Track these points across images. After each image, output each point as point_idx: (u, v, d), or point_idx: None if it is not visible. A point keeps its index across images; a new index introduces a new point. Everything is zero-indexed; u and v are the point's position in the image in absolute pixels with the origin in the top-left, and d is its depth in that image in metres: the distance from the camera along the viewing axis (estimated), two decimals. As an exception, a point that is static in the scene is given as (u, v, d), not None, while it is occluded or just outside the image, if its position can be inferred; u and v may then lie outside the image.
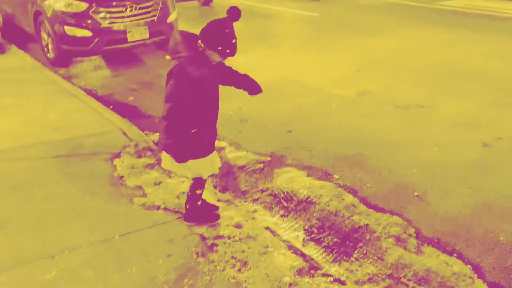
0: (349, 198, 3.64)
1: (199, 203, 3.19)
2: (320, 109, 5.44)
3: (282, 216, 3.50)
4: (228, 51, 2.64)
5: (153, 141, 4.58)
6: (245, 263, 2.86)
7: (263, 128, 4.99)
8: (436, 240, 3.22)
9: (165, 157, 2.92)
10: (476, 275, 2.87)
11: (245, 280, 2.70)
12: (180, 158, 2.78)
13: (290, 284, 2.70)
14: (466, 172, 4.06)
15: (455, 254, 3.07)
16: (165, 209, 3.41)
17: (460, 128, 4.89)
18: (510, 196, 3.68)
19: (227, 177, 4.00)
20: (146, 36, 7.19)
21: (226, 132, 4.76)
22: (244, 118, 5.18)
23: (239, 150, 4.49)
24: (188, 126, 2.77)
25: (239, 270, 2.79)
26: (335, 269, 2.92)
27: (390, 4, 11.82)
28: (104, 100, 5.83)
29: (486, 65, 6.95)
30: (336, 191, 3.73)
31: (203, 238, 3.08)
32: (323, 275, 2.83)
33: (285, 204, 3.62)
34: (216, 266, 2.82)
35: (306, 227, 3.35)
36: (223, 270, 2.79)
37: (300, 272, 2.81)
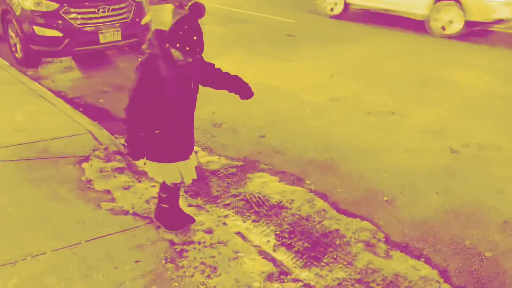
0: (320, 203, 3.65)
1: (163, 205, 3.12)
2: (293, 115, 5.46)
3: (253, 221, 3.48)
4: (187, 48, 2.48)
5: (122, 145, 4.49)
6: (215, 268, 2.82)
7: (236, 133, 4.97)
8: (404, 245, 3.26)
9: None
10: (442, 279, 2.92)
11: (214, 286, 2.67)
12: (133, 154, 2.75)
13: (260, 290, 2.68)
14: (435, 177, 4.15)
15: (422, 259, 3.12)
16: (134, 214, 3.34)
17: (429, 135, 5.00)
18: (476, 201, 3.78)
19: (199, 182, 3.95)
20: (119, 37, 7.06)
21: (198, 136, 4.72)
22: (217, 122, 5.14)
23: (212, 155, 4.45)
24: (149, 125, 2.70)
25: (208, 276, 2.75)
26: (305, 274, 2.91)
27: (363, 13, 12.02)
28: (74, 102, 5.69)
29: (455, 75, 7.15)
30: (307, 196, 3.74)
31: (172, 243, 3.03)
32: (293, 280, 2.82)
33: (257, 209, 3.61)
34: (185, 272, 2.77)
35: (278, 232, 3.34)
36: (192, 276, 2.74)
37: (270, 277, 2.80)
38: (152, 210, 3.34)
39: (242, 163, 4.31)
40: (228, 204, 3.65)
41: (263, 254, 3.05)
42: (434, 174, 4.20)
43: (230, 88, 2.94)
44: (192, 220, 3.25)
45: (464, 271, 3.02)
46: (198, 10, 2.46)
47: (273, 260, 3.00)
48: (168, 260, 2.87)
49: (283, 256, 3.10)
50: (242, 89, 2.95)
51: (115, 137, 4.68)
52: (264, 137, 4.88)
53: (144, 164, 2.93)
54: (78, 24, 6.66)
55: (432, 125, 5.26)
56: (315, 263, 3.04)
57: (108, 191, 3.61)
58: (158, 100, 2.62)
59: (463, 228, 3.44)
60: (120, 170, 3.94)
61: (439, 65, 7.66)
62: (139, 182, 3.77)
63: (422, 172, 4.23)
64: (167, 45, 2.53)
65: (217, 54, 7.48)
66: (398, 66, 7.55)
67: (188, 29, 2.46)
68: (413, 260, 3.07)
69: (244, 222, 3.45)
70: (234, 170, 4.17)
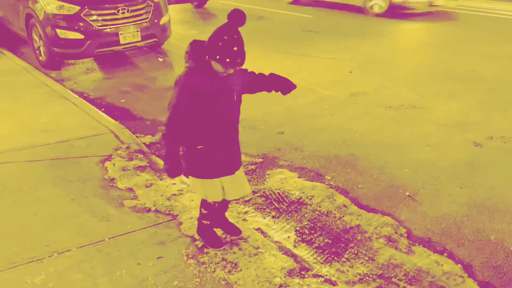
0: (341, 199, 3.63)
1: (204, 222, 2.98)
2: (312, 111, 5.44)
3: (273, 217, 3.48)
4: (228, 60, 2.30)
5: (144, 144, 4.56)
6: (236, 264, 2.84)
7: (255, 130, 4.98)
8: (427, 239, 3.22)
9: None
10: (466, 274, 2.87)
11: (235, 282, 2.69)
12: (170, 170, 2.61)
13: (281, 285, 2.69)
14: (457, 171, 4.07)
15: (445, 254, 3.07)
16: (156, 211, 3.39)
17: (451, 128, 4.91)
18: (500, 195, 3.69)
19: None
20: (139, 38, 7.17)
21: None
22: (236, 119, 5.16)
23: (231, 152, 4.47)
24: (191, 141, 2.58)
25: (229, 271, 2.78)
26: (326, 270, 2.91)
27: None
28: (96, 103, 5.80)
29: (478, 66, 6.99)
30: (327, 192, 3.72)
31: (193, 240, 3.06)
32: (314, 276, 2.82)
33: (277, 206, 3.61)
34: (206, 268, 2.80)
35: (298, 228, 3.34)
36: (213, 272, 2.77)
37: (290, 273, 2.80)
38: (174, 207, 3.39)
39: (262, 160, 4.32)
40: (248, 201, 3.67)
41: (284, 250, 3.06)
42: (457, 168, 4.12)
43: (269, 87, 2.76)
44: (239, 232, 3.11)
45: (489, 266, 2.96)
46: (239, 18, 2.28)
47: (293, 256, 3.00)
48: (190, 256, 2.91)
49: (303, 252, 3.10)
50: (282, 84, 2.75)
51: (137, 136, 4.75)
52: (283, 133, 4.88)
53: (187, 177, 2.78)
54: (99, 26, 6.79)
55: (455, 118, 5.16)
56: (336, 258, 3.03)
57: (130, 189, 3.68)
58: (200, 114, 2.49)
59: (487, 223, 3.37)
60: (142, 169, 4.00)
61: (462, 57, 7.49)
62: (161, 180, 3.83)
63: (444, 166, 4.16)
64: (207, 56, 2.39)
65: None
66: (418, 59, 7.42)
67: (228, 40, 2.29)
68: (435, 255, 3.02)
69: (264, 218, 3.46)
70: (253, 167, 4.19)
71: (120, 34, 6.95)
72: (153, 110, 5.58)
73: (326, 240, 3.20)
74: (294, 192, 3.75)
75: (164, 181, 3.80)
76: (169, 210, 3.39)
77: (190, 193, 3.60)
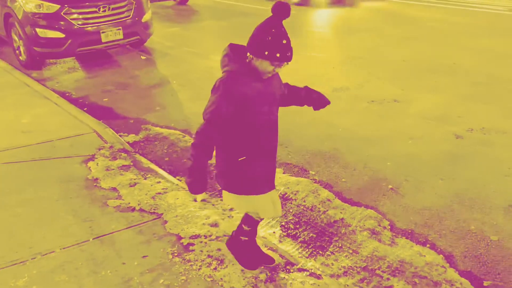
0: (325, 193, 3.67)
1: (242, 238, 2.77)
2: (296, 107, 5.44)
3: (259, 213, 3.50)
4: (278, 54, 2.15)
5: (127, 142, 4.54)
6: (222, 261, 2.85)
7: (240, 126, 4.98)
8: (409, 231, 3.27)
9: None
10: (448, 264, 2.93)
11: (221, 278, 2.70)
12: (193, 185, 2.31)
13: (266, 280, 2.71)
14: (439, 164, 4.14)
15: (428, 245, 3.13)
16: (141, 210, 3.38)
17: (433, 121, 4.98)
18: (481, 186, 3.77)
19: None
20: (121, 36, 7.11)
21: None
22: (221, 117, 5.16)
23: (216, 149, 4.48)
24: (230, 153, 2.37)
25: (215, 268, 2.79)
26: (311, 264, 2.94)
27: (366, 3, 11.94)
28: (79, 102, 5.75)
29: (459, 60, 7.09)
30: (312, 187, 3.76)
31: (179, 238, 3.06)
32: (299, 270, 2.85)
33: (262, 201, 3.63)
34: (192, 266, 2.81)
35: (283, 223, 3.37)
36: (199, 269, 2.78)
37: (276, 268, 2.82)
38: (158, 206, 3.39)
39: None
40: (233, 198, 3.68)
41: (269, 245, 3.07)
42: (438, 161, 4.19)
43: (302, 102, 2.61)
44: (272, 261, 2.84)
45: (469, 256, 3.02)
46: (284, 11, 2.15)
47: (279, 251, 3.02)
48: (175, 254, 2.91)
49: (288, 246, 3.13)
50: (316, 99, 2.60)
51: (120, 135, 4.72)
52: (267, 129, 4.89)
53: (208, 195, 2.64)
54: (80, 25, 6.71)
55: (436, 111, 5.24)
56: (321, 252, 3.06)
57: (114, 189, 3.66)
58: (243, 121, 2.29)
59: (468, 213, 3.44)
60: (126, 168, 3.98)
61: (445, 50, 7.59)
62: (145, 179, 3.81)
63: (426, 159, 4.22)
64: (250, 56, 2.24)
65: (215, 49, 7.46)
66: (401, 53, 7.49)
67: (276, 33, 2.14)
68: (418, 246, 3.08)
69: (250, 214, 3.47)
70: (238, 163, 4.19)
71: (102, 33, 6.88)
72: (136, 108, 5.55)
73: (311, 235, 3.24)
74: (279, 188, 3.77)
75: (149, 179, 3.79)
76: (153, 209, 3.38)
77: (174, 191, 3.60)
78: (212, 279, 2.70)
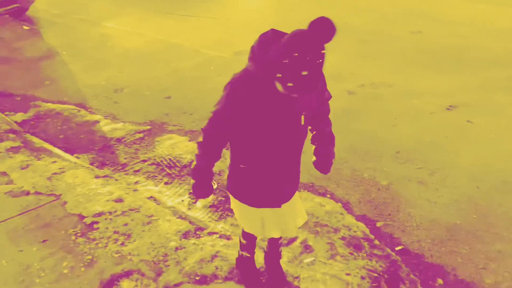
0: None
1: (243, 253, 2.57)
2: (198, 73, 5.39)
3: (166, 183, 3.46)
4: (289, 84, 1.66)
5: (16, 122, 4.16)
6: (129, 236, 2.80)
7: (140, 96, 4.81)
8: (310, 184, 3.47)
9: None
10: (346, 211, 3.18)
11: (129, 253, 2.66)
12: (197, 188, 2.13)
13: (177, 248, 2.72)
14: (335, 119, 4.26)
15: (328, 195, 3.35)
16: (36, 193, 3.17)
17: (328, 79, 5.22)
18: (372, 137, 4.09)
19: (104, 151, 3.82)
20: (-4, 4, 6.35)
21: (99, 104, 4.51)
22: (119, 87, 4.92)
23: (116, 122, 4.29)
24: (235, 156, 2.09)
25: (122, 243, 2.73)
26: (221, 226, 3.00)
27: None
28: (-48, 81, 5.10)
29: (348, 19, 7.45)
30: (217, 152, 3.78)
31: (81, 217, 2.94)
32: (209, 233, 2.90)
33: (169, 171, 3.59)
34: (97, 244, 2.72)
35: (191, 191, 3.36)
36: (105, 247, 2.70)
37: (186, 235, 2.85)
38: (56, 186, 3.19)
39: (149, 127, 4.22)
40: (137, 170, 3.59)
41: (178, 214, 3.08)
42: (335, 116, 4.30)
43: (313, 140, 2.30)
44: (281, 284, 2.59)
45: (364, 201, 3.31)
46: (323, 31, 1.66)
47: (188, 218, 3.04)
48: (79, 234, 2.79)
49: (198, 212, 3.15)
50: (324, 158, 2.28)
51: (6, 115, 4.31)
52: (170, 98, 4.78)
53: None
54: None
55: (331, 69, 5.47)
56: (230, 214, 3.13)
57: (4, 173, 3.37)
58: (247, 131, 1.95)
59: (362, 163, 3.73)
60: (15, 150, 3.67)
61: (335, 9, 7.91)
62: (38, 159, 3.55)
63: (324, 115, 4.45)
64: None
65: (113, 15, 7.04)
66: (290, 15, 7.67)
67: (297, 60, 1.61)
68: (319, 198, 3.29)
69: (156, 186, 3.43)
70: (141, 135, 4.08)
71: (-28, 0, 6.08)
72: (22, 84, 5.07)
73: (220, 198, 3.29)
74: (185, 156, 3.75)
75: (43, 160, 3.54)
76: (51, 191, 3.18)
77: (72, 170, 3.41)
78: (120, 254, 2.65)
